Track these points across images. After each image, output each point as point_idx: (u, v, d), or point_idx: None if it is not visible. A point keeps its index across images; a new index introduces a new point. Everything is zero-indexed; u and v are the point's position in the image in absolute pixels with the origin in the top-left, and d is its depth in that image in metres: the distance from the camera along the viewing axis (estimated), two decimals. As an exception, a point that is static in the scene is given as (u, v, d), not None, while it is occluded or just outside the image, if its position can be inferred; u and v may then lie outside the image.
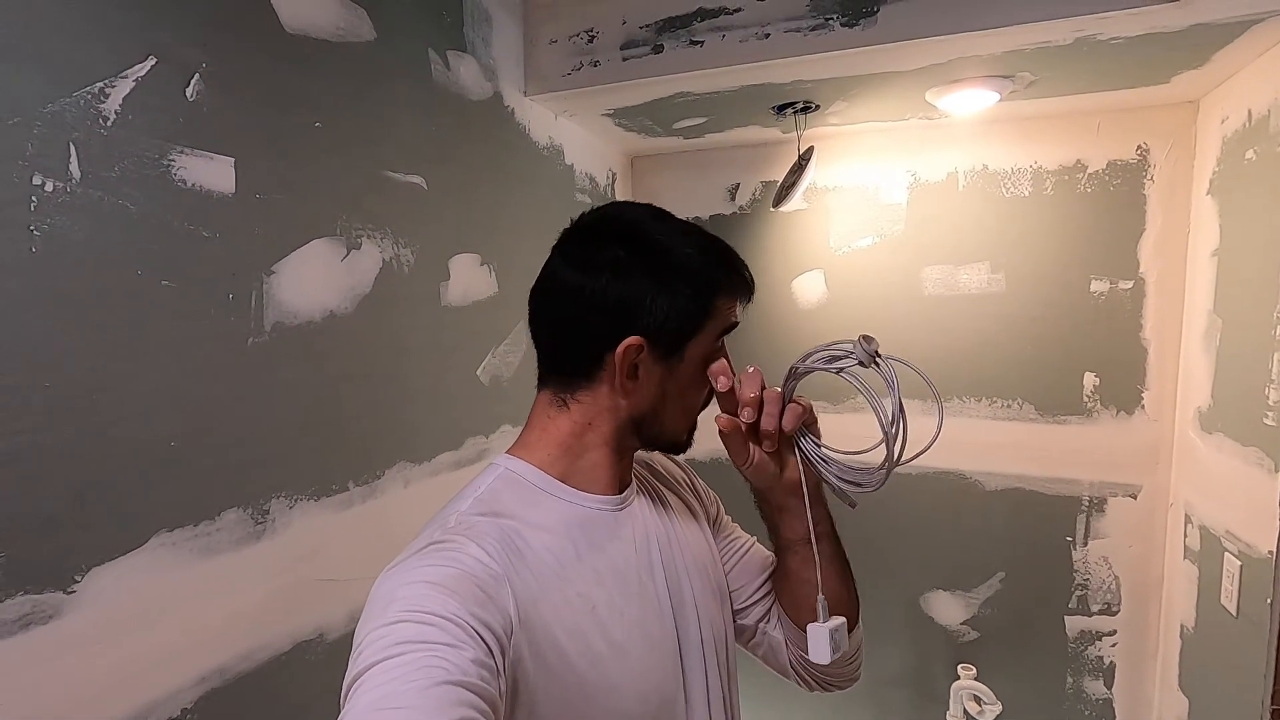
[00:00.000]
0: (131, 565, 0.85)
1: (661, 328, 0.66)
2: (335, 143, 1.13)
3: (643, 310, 0.65)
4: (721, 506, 0.90)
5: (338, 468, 1.15)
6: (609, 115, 1.85)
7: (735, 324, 0.72)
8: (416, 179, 1.31)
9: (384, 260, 1.23)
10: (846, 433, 0.73)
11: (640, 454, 0.80)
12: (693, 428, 0.73)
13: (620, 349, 0.64)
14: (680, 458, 0.82)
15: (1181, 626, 1.71)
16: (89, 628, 0.80)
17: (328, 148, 1.12)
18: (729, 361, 0.72)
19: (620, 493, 0.71)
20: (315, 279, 1.10)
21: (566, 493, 0.68)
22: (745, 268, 0.72)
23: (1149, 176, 1.79)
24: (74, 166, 0.78)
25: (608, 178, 2.18)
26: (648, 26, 1.54)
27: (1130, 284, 1.82)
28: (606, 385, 0.67)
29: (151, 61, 0.86)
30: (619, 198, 2.27)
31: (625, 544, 0.69)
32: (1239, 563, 1.44)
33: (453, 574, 0.55)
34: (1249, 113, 1.47)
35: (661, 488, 0.81)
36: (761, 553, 0.86)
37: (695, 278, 0.67)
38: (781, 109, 1.80)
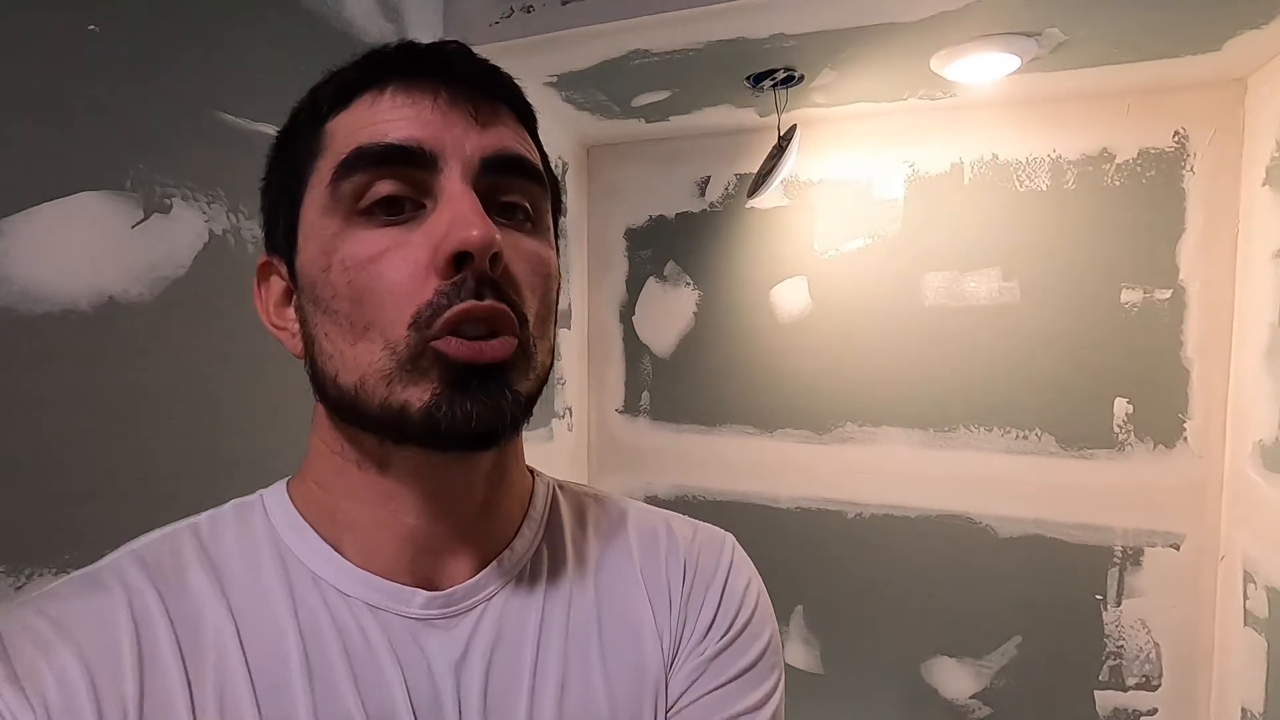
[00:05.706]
0: None
1: (272, 226, 0.44)
2: (126, 60, 0.80)
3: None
4: (728, 636, 0.50)
5: (79, 524, 0.80)
6: (553, 84, 1.55)
7: (404, 148, 0.37)
8: (268, 128, 0.98)
9: (211, 233, 0.90)
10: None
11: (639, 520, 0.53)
12: (400, 357, 0.37)
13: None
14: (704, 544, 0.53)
15: (1244, 711, 1.41)
16: None
17: (112, 64, 0.79)
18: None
19: (441, 586, 0.41)
20: (81, 249, 0.76)
21: (326, 561, 0.40)
22: (408, 44, 0.41)
23: (1188, 167, 1.53)
24: None
25: (559, 168, 1.88)
26: (593, -37, 1.25)
27: (1168, 293, 1.55)
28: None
29: None
30: (572, 193, 1.97)
31: (419, 681, 0.39)
32: (1333, 640, 1.14)
33: None
34: (1325, 81, 1.21)
35: (596, 587, 0.47)
36: None
37: (295, 117, 0.44)
38: (758, 81, 1.52)
